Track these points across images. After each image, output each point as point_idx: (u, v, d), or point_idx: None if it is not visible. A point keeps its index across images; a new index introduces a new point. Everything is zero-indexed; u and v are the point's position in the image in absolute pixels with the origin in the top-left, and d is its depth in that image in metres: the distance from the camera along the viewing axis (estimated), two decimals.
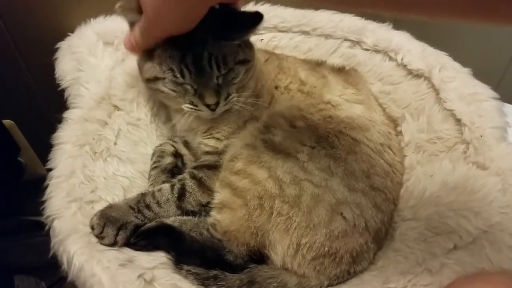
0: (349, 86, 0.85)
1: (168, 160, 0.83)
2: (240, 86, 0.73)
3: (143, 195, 0.73)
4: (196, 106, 0.71)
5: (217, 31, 0.66)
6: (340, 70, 0.90)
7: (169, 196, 0.73)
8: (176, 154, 0.86)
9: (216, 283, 0.64)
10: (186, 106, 0.72)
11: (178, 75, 0.67)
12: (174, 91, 0.70)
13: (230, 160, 0.73)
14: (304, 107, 0.78)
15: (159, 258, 0.67)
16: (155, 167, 0.82)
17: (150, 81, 0.71)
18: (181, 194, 0.73)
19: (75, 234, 0.64)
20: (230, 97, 0.72)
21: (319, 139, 0.72)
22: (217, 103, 0.70)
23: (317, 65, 0.90)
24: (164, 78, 0.69)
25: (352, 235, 0.67)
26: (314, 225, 0.66)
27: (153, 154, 0.85)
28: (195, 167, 0.78)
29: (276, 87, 0.83)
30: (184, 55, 0.66)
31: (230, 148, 0.77)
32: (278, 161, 0.70)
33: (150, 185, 0.80)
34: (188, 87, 0.69)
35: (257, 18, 0.68)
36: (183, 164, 0.86)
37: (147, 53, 0.69)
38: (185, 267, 0.65)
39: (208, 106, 0.70)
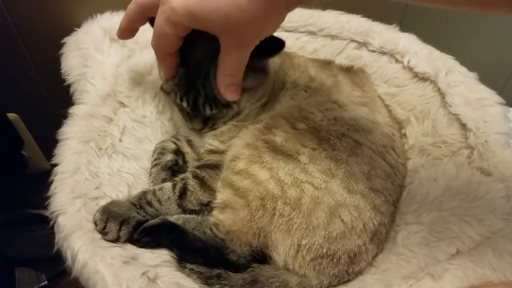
0: (356, 88, 0.84)
1: (169, 157, 0.83)
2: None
3: (144, 193, 0.73)
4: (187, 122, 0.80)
5: None
6: (348, 70, 0.89)
7: (170, 194, 0.73)
8: (178, 152, 0.85)
9: (219, 282, 0.64)
10: (183, 117, 0.81)
11: (178, 101, 0.76)
12: (176, 104, 0.79)
13: (232, 160, 0.73)
14: (305, 106, 0.77)
15: (163, 255, 0.67)
16: (156, 164, 0.82)
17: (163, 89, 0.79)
18: (183, 193, 0.73)
19: (80, 230, 0.64)
20: (216, 126, 0.79)
21: (320, 141, 0.72)
22: (202, 129, 0.79)
23: (326, 64, 0.89)
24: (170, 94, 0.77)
25: (350, 237, 0.67)
26: (313, 227, 0.66)
27: (154, 150, 0.85)
28: (197, 167, 0.78)
29: (283, 87, 0.82)
30: (189, 91, 0.73)
31: (231, 148, 0.77)
32: (280, 162, 0.70)
33: (151, 182, 0.80)
34: (185, 109, 0.78)
35: (275, 47, 0.69)
36: (184, 162, 0.86)
37: None
38: (188, 265, 0.65)
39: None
